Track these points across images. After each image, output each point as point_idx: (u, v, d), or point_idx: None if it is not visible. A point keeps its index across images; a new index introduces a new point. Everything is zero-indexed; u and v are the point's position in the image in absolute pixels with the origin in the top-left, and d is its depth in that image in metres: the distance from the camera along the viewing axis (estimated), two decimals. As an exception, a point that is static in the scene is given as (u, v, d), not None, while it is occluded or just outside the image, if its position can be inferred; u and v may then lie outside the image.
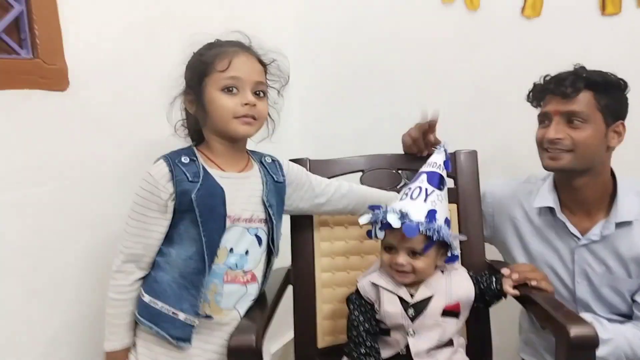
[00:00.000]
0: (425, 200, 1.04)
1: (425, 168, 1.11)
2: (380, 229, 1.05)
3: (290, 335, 1.46)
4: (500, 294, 1.10)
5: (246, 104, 0.99)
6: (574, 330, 0.86)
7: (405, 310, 1.06)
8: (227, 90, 0.99)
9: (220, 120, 1.00)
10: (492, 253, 1.36)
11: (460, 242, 1.20)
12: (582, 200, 1.21)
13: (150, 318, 1.00)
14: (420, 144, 1.25)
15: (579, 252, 1.22)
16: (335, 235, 1.31)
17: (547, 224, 1.26)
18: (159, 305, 1.00)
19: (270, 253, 1.11)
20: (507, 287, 1.08)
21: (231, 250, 1.03)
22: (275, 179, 1.11)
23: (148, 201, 0.99)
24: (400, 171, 1.33)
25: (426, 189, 1.06)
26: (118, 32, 1.19)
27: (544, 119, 1.19)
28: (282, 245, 1.23)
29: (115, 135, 1.20)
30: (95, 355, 1.10)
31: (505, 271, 1.11)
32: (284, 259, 1.30)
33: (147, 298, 1.01)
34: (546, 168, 1.19)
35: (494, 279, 1.11)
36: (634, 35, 1.29)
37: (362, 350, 1.06)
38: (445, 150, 1.13)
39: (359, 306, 1.10)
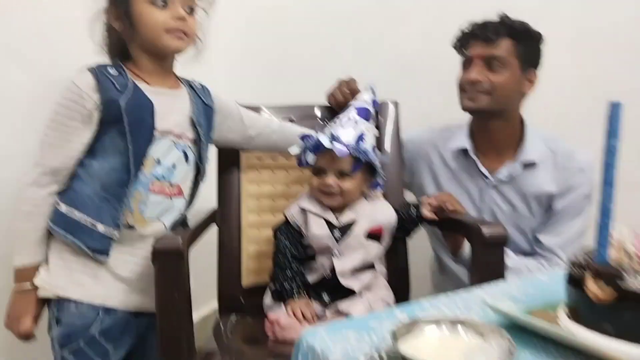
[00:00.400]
0: (354, 127, 1.09)
1: (355, 103, 1.16)
2: (311, 151, 1.07)
3: (214, 304, 1.45)
4: (419, 220, 1.15)
5: (178, 18, 0.98)
6: (486, 230, 0.93)
7: (332, 231, 1.08)
8: (157, 3, 0.98)
9: (151, 34, 0.99)
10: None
11: (382, 183, 1.25)
12: (494, 142, 1.30)
13: (65, 227, 0.96)
14: (344, 93, 1.29)
15: (487, 192, 1.31)
16: (262, 178, 1.32)
17: (461, 166, 1.35)
18: (77, 215, 0.95)
19: (198, 174, 1.09)
20: (426, 211, 1.14)
21: (158, 161, 1.01)
22: (205, 102, 1.11)
23: (71, 111, 0.95)
24: (326, 122, 1.36)
25: (355, 119, 1.11)
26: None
27: (467, 63, 1.28)
28: (208, 188, 1.23)
29: (31, 63, 1.13)
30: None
31: (424, 198, 1.17)
32: (209, 201, 1.28)
33: (63, 207, 0.96)
34: (464, 108, 1.28)
35: (412, 207, 1.17)
36: (534, 12, 1.42)
37: (289, 273, 1.07)
38: (373, 91, 1.18)
39: (286, 233, 1.12)
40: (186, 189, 1.07)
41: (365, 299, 1.07)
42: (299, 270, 1.08)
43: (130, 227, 0.99)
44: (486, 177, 1.31)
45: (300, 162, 1.13)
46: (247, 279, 1.26)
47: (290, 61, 1.74)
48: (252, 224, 1.29)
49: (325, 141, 1.05)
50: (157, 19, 0.98)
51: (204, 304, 1.71)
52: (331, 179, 1.07)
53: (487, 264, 0.93)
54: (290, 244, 1.10)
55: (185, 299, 0.88)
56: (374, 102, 1.16)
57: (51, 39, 1.16)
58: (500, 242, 0.93)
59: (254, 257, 1.28)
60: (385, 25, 1.73)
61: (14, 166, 1.07)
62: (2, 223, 1.05)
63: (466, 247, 1.18)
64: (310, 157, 1.09)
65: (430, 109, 1.60)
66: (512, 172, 1.28)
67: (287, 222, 1.13)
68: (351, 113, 1.12)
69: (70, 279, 0.97)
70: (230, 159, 1.28)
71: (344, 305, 1.05)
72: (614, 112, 0.57)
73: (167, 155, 1.03)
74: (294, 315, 1.01)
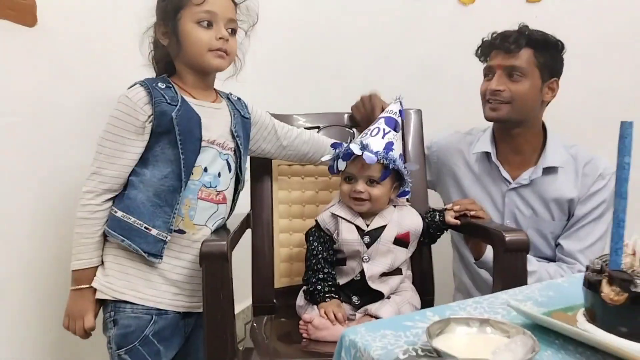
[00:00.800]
0: (383, 137, 1.16)
1: (384, 114, 1.23)
2: (342, 159, 1.15)
3: (248, 302, 1.52)
4: (443, 226, 1.22)
5: (220, 38, 1.06)
6: (509, 236, 0.99)
7: (362, 237, 1.15)
8: (203, 24, 1.05)
9: (195, 52, 1.06)
10: (433, 202, 1.48)
11: (406, 192, 1.31)
12: (517, 149, 1.36)
13: (121, 232, 1.03)
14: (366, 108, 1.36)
15: (509, 196, 1.37)
16: (292, 185, 1.39)
17: (484, 170, 1.41)
18: (132, 220, 1.03)
19: (238, 181, 1.17)
20: (449, 217, 1.20)
21: (205, 169, 1.09)
22: (242, 114, 1.19)
23: (125, 122, 1.03)
24: (354, 129, 1.43)
25: (384, 129, 1.17)
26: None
27: (488, 73, 1.35)
28: (243, 194, 1.31)
29: (79, 77, 1.23)
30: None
31: (448, 205, 1.23)
32: (243, 206, 1.36)
33: (119, 213, 1.04)
34: (487, 118, 1.35)
35: (437, 214, 1.23)
36: (552, 22, 1.48)
37: (320, 276, 1.14)
38: (400, 102, 1.25)
39: (318, 237, 1.19)
40: (229, 196, 1.15)
41: (393, 302, 1.14)
42: (331, 273, 1.15)
43: (181, 231, 1.07)
44: (508, 181, 1.37)
45: (332, 169, 1.20)
46: (279, 281, 1.33)
47: (317, 72, 1.82)
48: (283, 228, 1.36)
49: (355, 149, 1.12)
50: (201, 38, 1.05)
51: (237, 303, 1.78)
52: (361, 186, 1.14)
53: (510, 270, 0.98)
54: (322, 248, 1.17)
55: (230, 300, 0.96)
56: (401, 113, 1.23)
57: (99, 54, 1.25)
58: (522, 249, 0.99)
59: (285, 260, 1.35)
60: (406, 34, 1.80)
61: (70, 177, 1.16)
62: (64, 229, 1.13)
63: (489, 253, 1.24)
64: (341, 164, 1.16)
65: (452, 117, 1.67)
66: (533, 177, 1.33)
67: (318, 227, 1.20)
68: (380, 124, 1.19)
69: (127, 282, 1.05)
70: (262, 166, 1.36)
71: (373, 308, 1.11)
72: (626, 130, 0.63)
73: (213, 164, 1.10)
74: (327, 316, 1.08)
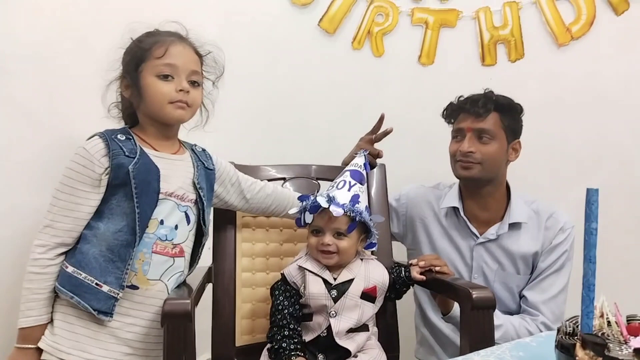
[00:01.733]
0: (349, 190, 1.16)
1: (349, 167, 1.24)
2: (309, 212, 1.14)
3: (206, 356, 1.45)
4: (409, 281, 1.22)
5: (180, 90, 1.06)
6: (475, 293, 1.00)
7: (329, 291, 1.13)
8: (163, 77, 1.05)
9: (155, 104, 1.06)
10: (398, 255, 1.50)
11: (372, 244, 1.31)
12: (484, 206, 1.42)
13: (71, 288, 0.98)
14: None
15: (477, 250, 1.41)
16: (256, 237, 1.36)
17: (452, 224, 1.45)
18: (82, 275, 0.98)
19: (201, 234, 1.14)
20: (415, 273, 1.21)
21: (162, 222, 1.06)
22: (206, 166, 1.17)
23: (81, 175, 0.99)
24: (318, 180, 1.44)
25: (349, 182, 1.18)
26: (49, 24, 1.22)
27: (457, 134, 1.41)
28: (205, 247, 1.27)
29: (39, 124, 1.18)
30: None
31: (413, 260, 1.24)
32: (204, 259, 1.32)
33: (70, 269, 0.99)
34: (458, 177, 1.40)
35: (402, 269, 1.23)
36: (505, 83, 1.58)
37: (286, 332, 1.11)
38: (365, 155, 1.27)
39: (284, 292, 1.16)
40: (187, 248, 1.11)
41: (360, 360, 1.11)
42: (297, 330, 1.12)
43: (134, 287, 1.02)
44: (476, 235, 1.40)
45: (299, 222, 1.19)
46: (240, 339, 1.28)
47: (282, 124, 1.84)
48: (245, 282, 1.32)
49: (322, 202, 1.12)
50: (161, 91, 1.05)
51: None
52: (328, 238, 1.13)
53: (477, 327, 0.99)
54: (288, 303, 1.14)
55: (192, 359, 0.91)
56: (365, 166, 1.25)
57: (62, 100, 1.22)
58: (489, 306, 1.00)
59: (247, 317, 1.30)
60: (368, 90, 1.86)
61: (20, 221, 1.09)
62: (13, 278, 1.07)
63: (456, 309, 1.24)
64: (308, 217, 1.15)
65: (413, 170, 1.71)
66: (500, 232, 1.38)
67: (285, 280, 1.17)
68: (346, 176, 1.19)
69: (75, 342, 0.99)
70: (225, 217, 1.32)
71: (341, 367, 1.09)
72: (592, 197, 0.66)
73: (170, 217, 1.07)
74: None
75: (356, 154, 1.30)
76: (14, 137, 1.13)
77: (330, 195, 1.13)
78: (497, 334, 1.25)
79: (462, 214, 1.42)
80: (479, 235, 1.41)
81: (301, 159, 1.45)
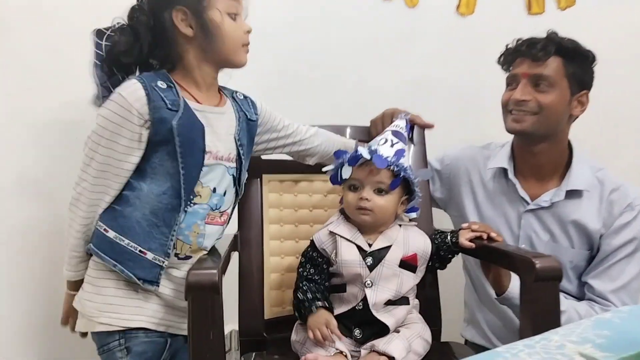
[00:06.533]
0: (391, 146, 1.05)
1: (390, 128, 1.11)
2: (349, 163, 1.03)
3: (231, 327, 1.38)
4: (455, 249, 1.10)
5: (248, 32, 0.97)
6: (539, 262, 0.87)
7: (364, 258, 1.02)
8: (233, 15, 0.94)
9: (230, 45, 0.95)
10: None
11: (414, 209, 1.19)
12: (538, 167, 1.25)
13: (114, 256, 0.90)
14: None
15: (526, 218, 1.25)
16: (284, 202, 1.25)
17: (500, 188, 1.29)
18: (125, 242, 0.90)
19: (236, 193, 1.06)
20: (463, 239, 1.08)
21: (214, 190, 0.97)
22: (249, 117, 1.06)
23: (119, 127, 0.88)
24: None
25: (392, 140, 1.06)
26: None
27: (512, 82, 1.23)
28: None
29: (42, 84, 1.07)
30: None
31: (464, 224, 1.11)
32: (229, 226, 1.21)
33: (111, 234, 0.90)
34: (509, 130, 1.23)
35: (448, 235, 1.11)
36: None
37: (305, 288, 1.02)
38: (407, 119, 1.14)
39: (311, 259, 1.06)
40: (229, 212, 1.04)
41: (402, 336, 1.00)
42: (317, 285, 1.02)
43: (188, 257, 0.96)
44: (526, 201, 1.25)
45: (335, 179, 1.08)
46: (270, 311, 1.18)
47: (308, 83, 1.69)
48: (274, 251, 1.22)
49: (364, 152, 1.01)
50: (237, 32, 0.95)
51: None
52: (368, 193, 1.02)
53: (540, 303, 0.86)
54: (315, 271, 1.04)
55: (220, 339, 0.81)
56: (407, 130, 1.12)
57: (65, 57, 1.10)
58: (554, 277, 0.87)
59: (276, 287, 1.21)
60: (402, 45, 1.70)
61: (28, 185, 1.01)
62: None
63: (514, 287, 1.11)
64: (347, 171, 1.03)
65: (455, 133, 1.56)
66: (555, 199, 1.22)
67: (314, 246, 1.06)
68: (387, 135, 1.07)
69: (133, 308, 0.94)
70: (251, 182, 1.22)
71: (381, 343, 0.98)
72: None
73: (222, 183, 0.98)
74: (316, 337, 0.95)
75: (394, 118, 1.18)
76: (16, 97, 1.02)
77: (373, 148, 1.01)
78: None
79: (511, 175, 1.27)
80: (529, 201, 1.25)
81: (328, 120, 1.32)
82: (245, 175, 1.08)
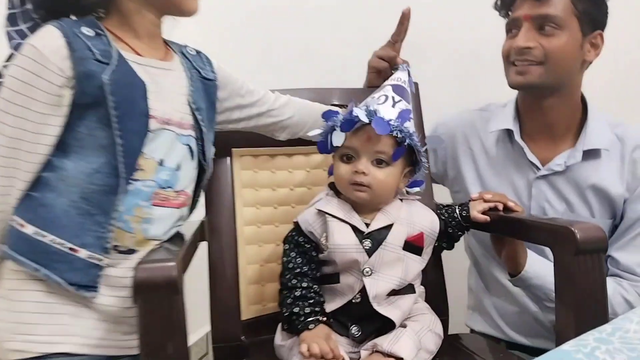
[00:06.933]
0: (393, 106, 0.86)
1: (389, 82, 0.93)
2: (341, 129, 0.84)
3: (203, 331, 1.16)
4: (466, 224, 0.93)
5: None
6: (580, 231, 0.70)
7: (361, 241, 0.84)
8: None
9: None
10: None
11: (418, 182, 1.01)
12: (548, 125, 1.08)
13: (35, 257, 0.70)
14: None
15: (537, 185, 1.08)
16: (259, 181, 1.06)
17: (505, 153, 1.12)
18: (49, 238, 0.70)
19: (202, 171, 0.86)
20: (476, 212, 0.91)
21: (161, 162, 0.77)
22: (204, 75, 0.86)
23: (32, 89, 0.68)
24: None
25: (393, 97, 0.88)
26: None
27: (513, 27, 1.05)
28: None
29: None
30: None
31: (474, 195, 0.95)
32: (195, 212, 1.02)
33: (30, 229, 0.70)
34: (512, 85, 1.06)
35: (457, 208, 0.94)
36: None
37: (297, 293, 0.83)
38: (408, 70, 0.96)
39: (297, 245, 0.87)
40: (191, 193, 0.85)
41: (411, 332, 0.83)
42: (312, 287, 0.84)
43: (132, 251, 0.75)
44: (537, 167, 1.08)
45: (323, 147, 0.89)
46: (248, 310, 0.99)
47: (285, 47, 1.50)
48: (250, 239, 1.03)
49: (361, 115, 0.82)
50: None
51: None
52: (364, 164, 0.83)
53: (583, 280, 0.70)
54: (302, 259, 0.86)
55: (183, 351, 0.61)
56: (410, 83, 0.93)
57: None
58: (599, 248, 0.71)
59: (254, 281, 1.01)
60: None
61: None
62: None
63: (532, 265, 0.95)
64: (338, 137, 0.84)
65: (451, 96, 1.40)
66: (570, 162, 1.05)
67: (299, 230, 0.88)
68: (387, 91, 0.89)
69: (57, 327, 0.72)
70: (218, 157, 1.02)
71: (385, 342, 0.80)
72: None
73: (171, 153, 0.79)
74: (312, 351, 0.75)
75: (394, 68, 1.00)
76: None
77: (371, 109, 0.83)
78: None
79: (517, 137, 1.09)
80: (540, 166, 1.08)
81: (308, 84, 1.13)
82: (211, 149, 0.89)
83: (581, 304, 0.69)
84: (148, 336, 0.59)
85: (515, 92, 1.13)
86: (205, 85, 0.86)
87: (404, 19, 1.08)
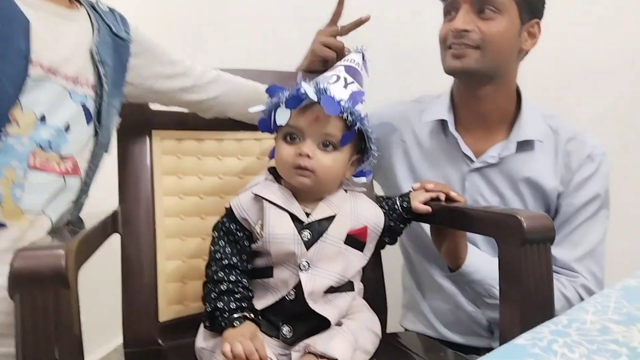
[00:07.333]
0: (345, 87, 0.79)
1: (343, 62, 0.85)
2: (287, 105, 0.75)
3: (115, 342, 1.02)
4: (407, 216, 0.87)
5: None
6: (528, 219, 0.66)
7: (299, 232, 0.76)
8: None
9: None
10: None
11: (364, 173, 0.95)
12: (483, 115, 1.05)
13: None
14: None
15: (470, 178, 1.05)
16: (184, 167, 0.96)
17: (438, 145, 1.08)
18: None
19: (98, 140, 0.75)
20: (417, 203, 0.86)
21: (42, 118, 0.66)
22: (114, 31, 0.76)
23: None
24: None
25: (345, 78, 0.80)
26: None
27: (451, 9, 1.01)
28: (107, 183, 0.85)
29: None
30: None
31: (415, 185, 0.90)
32: (104, 201, 0.90)
33: None
34: (448, 70, 1.01)
35: (397, 200, 0.88)
36: None
37: (223, 287, 0.73)
38: (363, 53, 0.88)
39: (227, 234, 0.78)
40: (83, 163, 0.73)
41: (346, 331, 0.76)
42: (240, 282, 0.75)
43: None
44: (470, 159, 1.05)
45: (265, 125, 0.80)
46: (167, 311, 0.88)
47: (201, 26, 1.40)
48: (171, 232, 0.92)
49: (310, 91, 0.74)
50: None
51: (101, 344, 1.30)
52: (309, 147, 0.75)
53: (530, 273, 0.65)
54: (231, 250, 0.77)
55: (73, 354, 0.50)
56: (365, 66, 0.86)
57: None
58: (546, 238, 0.67)
59: (175, 279, 0.91)
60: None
61: None
62: None
63: (473, 259, 0.91)
64: (283, 115, 0.76)
65: (387, 89, 1.34)
66: (504, 153, 1.03)
67: (231, 216, 0.79)
68: (339, 71, 0.81)
69: None
70: (136, 138, 0.91)
71: (318, 342, 0.72)
72: None
73: (58, 110, 0.68)
74: (235, 357, 0.66)
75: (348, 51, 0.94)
76: None
77: (321, 86, 0.75)
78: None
79: (452, 128, 1.06)
80: (474, 158, 1.05)
81: (242, 64, 1.04)
82: (114, 117, 0.79)
83: (527, 298, 0.65)
84: (27, 340, 0.48)
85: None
86: (115, 43, 0.76)
87: (341, 2, 1.05)
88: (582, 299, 0.98)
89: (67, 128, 0.70)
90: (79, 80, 0.70)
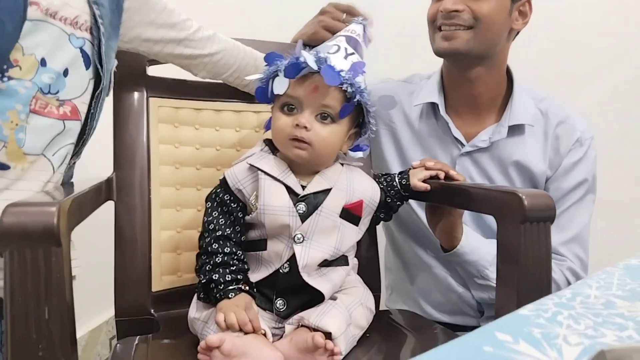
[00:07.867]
0: (345, 57, 0.77)
1: (344, 33, 0.83)
2: (285, 75, 0.73)
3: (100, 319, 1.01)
4: (405, 193, 0.86)
5: None
6: (529, 197, 0.65)
7: (295, 204, 0.74)
8: None
9: None
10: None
11: (361, 148, 0.94)
12: (473, 98, 1.03)
13: None
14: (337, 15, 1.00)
15: (461, 162, 1.04)
16: (181, 137, 0.94)
17: (429, 128, 1.07)
18: None
19: (99, 81, 0.74)
20: (416, 180, 0.85)
21: (43, 62, 0.65)
22: None
23: None
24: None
25: (346, 48, 0.78)
26: None
27: None
28: (102, 150, 0.84)
29: None
30: None
31: (415, 163, 0.88)
32: (100, 167, 0.88)
33: None
34: (438, 51, 0.99)
35: (396, 177, 0.87)
36: None
37: (218, 260, 0.73)
38: (364, 25, 0.86)
39: (221, 204, 0.77)
40: (83, 107, 0.72)
41: (340, 305, 0.75)
42: (235, 253, 0.74)
43: (3, 166, 0.64)
44: (461, 143, 1.04)
45: (262, 95, 0.79)
46: (160, 281, 0.87)
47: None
48: (166, 202, 0.91)
49: (309, 60, 0.72)
50: None
51: (93, 315, 1.29)
52: (307, 118, 0.74)
53: (529, 252, 0.65)
54: (225, 220, 0.75)
55: (63, 313, 0.49)
56: (365, 38, 0.84)
57: None
58: (547, 217, 0.66)
59: (169, 249, 0.90)
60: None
61: None
62: None
63: (468, 239, 0.91)
64: (281, 84, 0.74)
65: (384, 67, 1.32)
66: (495, 137, 1.01)
67: (226, 186, 0.77)
68: (340, 42, 0.79)
69: None
70: (132, 104, 0.89)
71: (312, 316, 0.71)
72: None
73: (57, 53, 0.67)
74: (228, 326, 0.66)
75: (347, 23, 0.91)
76: None
77: (321, 55, 0.73)
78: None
79: (442, 111, 1.04)
80: (465, 142, 1.04)
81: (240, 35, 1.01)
82: (113, 61, 0.78)
83: (525, 278, 0.64)
84: (17, 298, 0.47)
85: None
86: None
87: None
88: (569, 282, 0.98)
89: (65, 72, 0.69)
90: (77, 24, 0.69)
